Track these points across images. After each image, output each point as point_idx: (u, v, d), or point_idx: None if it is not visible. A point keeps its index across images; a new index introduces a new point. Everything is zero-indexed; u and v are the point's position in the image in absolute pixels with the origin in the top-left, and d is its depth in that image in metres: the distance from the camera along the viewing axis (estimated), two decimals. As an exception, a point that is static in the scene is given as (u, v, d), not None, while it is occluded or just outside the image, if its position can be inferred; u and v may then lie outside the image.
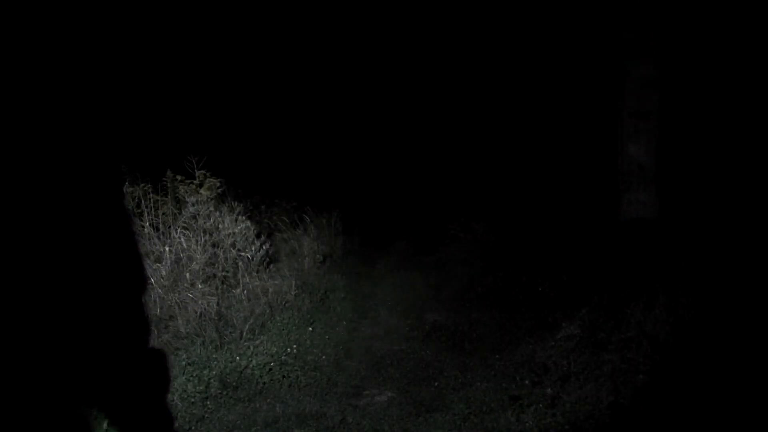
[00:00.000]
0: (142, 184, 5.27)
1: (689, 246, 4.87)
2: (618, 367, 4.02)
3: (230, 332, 5.02)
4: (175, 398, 4.03)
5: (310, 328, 5.32)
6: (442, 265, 6.72)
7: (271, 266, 6.17)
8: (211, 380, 4.35)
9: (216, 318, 5.06)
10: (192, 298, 4.98)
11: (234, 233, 5.69)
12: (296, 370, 4.63)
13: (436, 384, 4.35)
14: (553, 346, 4.55)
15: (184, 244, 5.23)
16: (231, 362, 4.62)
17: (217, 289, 5.30)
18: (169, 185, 5.38)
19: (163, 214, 5.30)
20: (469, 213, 7.36)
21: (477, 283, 6.02)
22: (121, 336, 1.07)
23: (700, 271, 4.47)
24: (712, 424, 3.16)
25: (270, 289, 5.59)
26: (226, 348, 4.83)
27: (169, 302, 4.92)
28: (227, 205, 5.90)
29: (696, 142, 6.41)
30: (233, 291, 5.43)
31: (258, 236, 6.05)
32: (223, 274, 5.48)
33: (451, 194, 8.01)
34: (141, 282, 1.14)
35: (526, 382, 4.15)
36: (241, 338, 4.97)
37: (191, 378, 4.32)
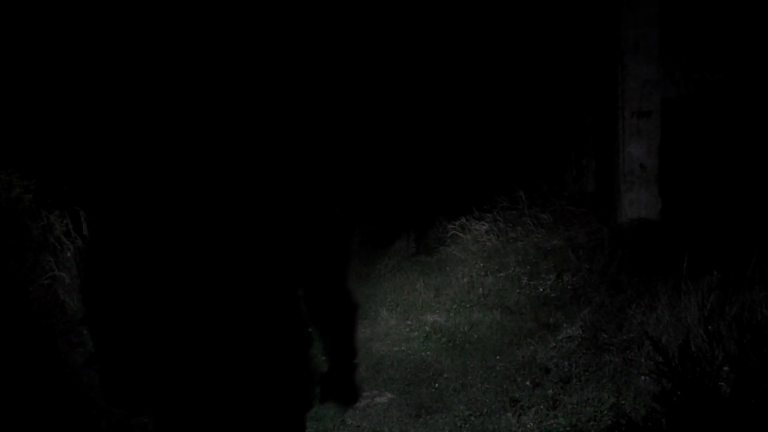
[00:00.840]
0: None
1: (691, 246, 4.84)
2: (620, 368, 4.00)
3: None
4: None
5: (309, 329, 5.28)
6: (442, 266, 6.69)
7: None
8: (210, 382, 4.32)
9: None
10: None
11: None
12: (295, 371, 4.60)
13: (437, 385, 4.32)
14: (554, 347, 4.52)
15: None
16: (229, 363, 4.58)
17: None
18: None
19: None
20: (469, 213, 7.33)
21: (477, 283, 6.00)
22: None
23: (702, 272, 4.44)
24: (715, 426, 3.14)
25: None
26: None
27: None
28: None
29: (699, 141, 6.38)
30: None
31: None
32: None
33: (452, 194, 7.99)
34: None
35: (527, 383, 4.12)
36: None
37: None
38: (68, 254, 4.58)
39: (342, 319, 1.66)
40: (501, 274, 6.09)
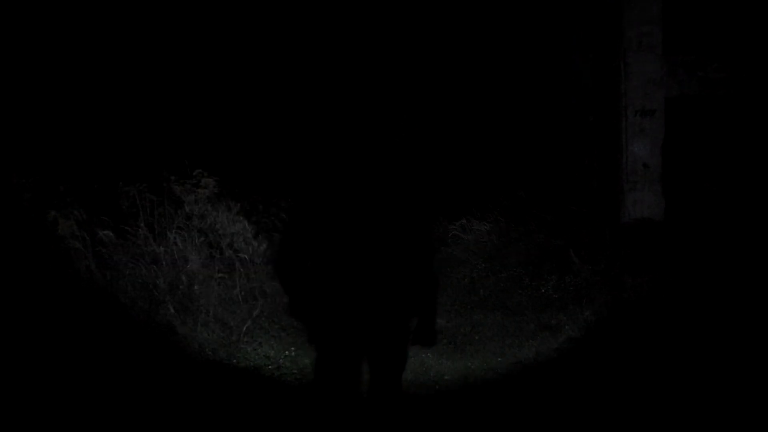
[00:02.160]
0: (137, 184, 5.21)
1: (695, 247, 4.79)
2: (623, 369, 3.95)
3: (227, 335, 4.94)
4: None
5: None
6: (442, 266, 6.64)
7: (269, 267, 6.07)
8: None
9: (213, 320, 4.99)
10: (189, 300, 4.91)
11: (231, 233, 5.61)
12: (294, 372, 4.55)
13: (437, 387, 4.28)
14: (557, 348, 4.48)
15: (180, 245, 5.16)
16: (228, 365, 4.55)
17: (213, 290, 5.22)
18: (164, 184, 5.31)
19: (159, 214, 5.22)
20: (470, 213, 7.29)
21: (479, 284, 5.96)
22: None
23: (706, 273, 4.40)
24: (717, 426, 3.12)
25: (268, 291, 5.51)
26: (223, 351, 4.75)
27: (165, 304, 4.85)
28: (224, 204, 5.81)
29: (702, 140, 6.33)
30: (231, 292, 5.35)
31: (256, 236, 5.96)
32: (220, 275, 5.40)
33: (453, 194, 7.94)
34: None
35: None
36: (238, 341, 4.90)
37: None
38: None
39: (426, 291, 2.44)
40: (503, 275, 6.04)
